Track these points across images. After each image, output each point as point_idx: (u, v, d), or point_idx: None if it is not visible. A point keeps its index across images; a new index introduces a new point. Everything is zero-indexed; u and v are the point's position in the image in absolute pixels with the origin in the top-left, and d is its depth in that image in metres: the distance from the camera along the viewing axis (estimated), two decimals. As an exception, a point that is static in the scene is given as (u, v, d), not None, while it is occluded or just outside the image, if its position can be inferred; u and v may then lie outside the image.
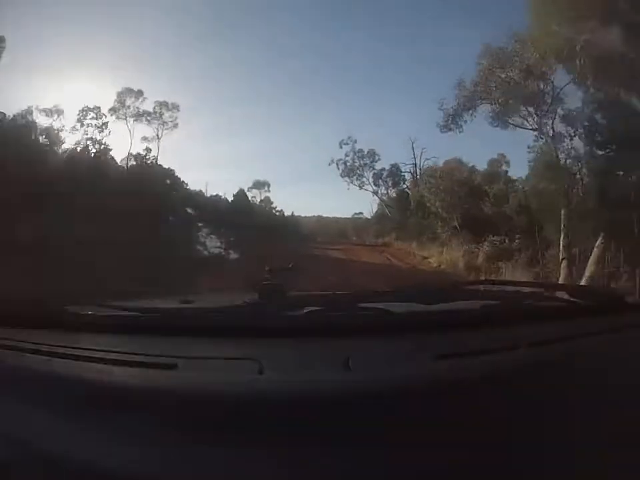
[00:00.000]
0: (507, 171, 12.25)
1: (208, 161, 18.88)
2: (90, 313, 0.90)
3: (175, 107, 12.23)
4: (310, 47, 19.84)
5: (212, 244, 11.17)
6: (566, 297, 0.97)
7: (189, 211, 12.05)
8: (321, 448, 0.52)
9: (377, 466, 0.50)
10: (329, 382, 0.60)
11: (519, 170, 13.92)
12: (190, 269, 7.39)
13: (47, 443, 0.57)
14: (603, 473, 0.54)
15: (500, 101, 8.91)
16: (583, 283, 6.91)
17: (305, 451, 0.51)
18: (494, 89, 8.89)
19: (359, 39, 17.20)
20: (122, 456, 0.53)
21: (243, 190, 14.62)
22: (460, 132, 9.65)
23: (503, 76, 8.73)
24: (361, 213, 18.92)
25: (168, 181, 11.97)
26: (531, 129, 8.98)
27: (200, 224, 11.65)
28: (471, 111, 9.36)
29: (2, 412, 0.64)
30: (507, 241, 9.42)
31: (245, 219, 12.04)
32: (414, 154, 14.34)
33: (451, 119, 9.60)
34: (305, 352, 0.72)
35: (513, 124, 9.15)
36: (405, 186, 14.71)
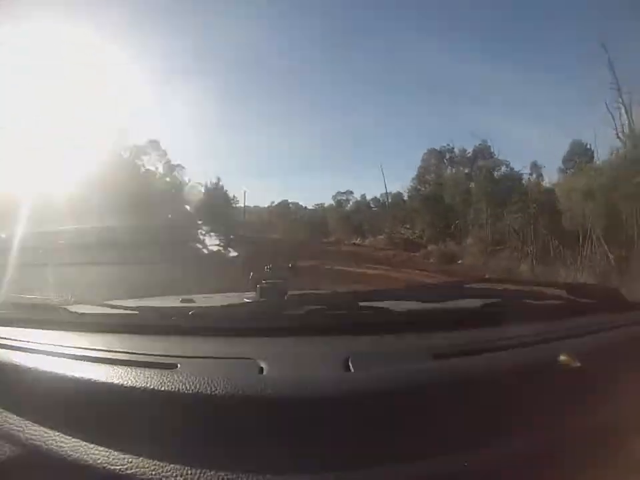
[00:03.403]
0: None
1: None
2: (90, 312, 0.90)
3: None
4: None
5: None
6: (566, 295, 0.97)
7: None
8: (321, 447, 0.52)
9: (376, 465, 0.50)
10: (328, 381, 0.59)
11: None
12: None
13: (47, 442, 0.57)
14: (603, 471, 0.54)
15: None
16: None
17: (304, 451, 0.51)
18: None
19: None
20: (122, 456, 0.53)
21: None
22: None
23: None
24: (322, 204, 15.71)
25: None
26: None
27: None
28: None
29: (2, 412, 0.64)
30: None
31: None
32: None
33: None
34: (304, 351, 0.72)
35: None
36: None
